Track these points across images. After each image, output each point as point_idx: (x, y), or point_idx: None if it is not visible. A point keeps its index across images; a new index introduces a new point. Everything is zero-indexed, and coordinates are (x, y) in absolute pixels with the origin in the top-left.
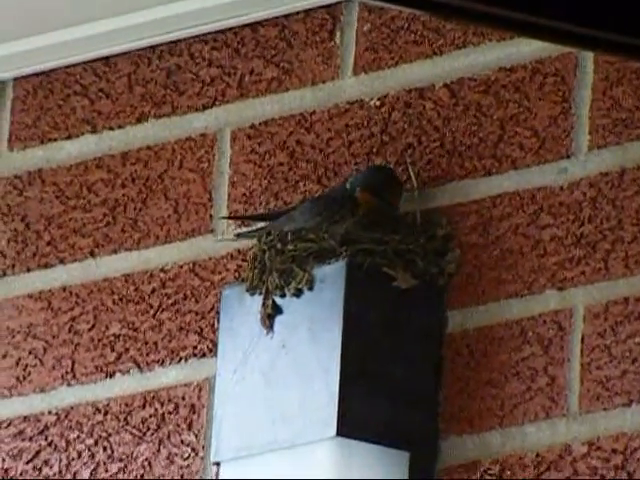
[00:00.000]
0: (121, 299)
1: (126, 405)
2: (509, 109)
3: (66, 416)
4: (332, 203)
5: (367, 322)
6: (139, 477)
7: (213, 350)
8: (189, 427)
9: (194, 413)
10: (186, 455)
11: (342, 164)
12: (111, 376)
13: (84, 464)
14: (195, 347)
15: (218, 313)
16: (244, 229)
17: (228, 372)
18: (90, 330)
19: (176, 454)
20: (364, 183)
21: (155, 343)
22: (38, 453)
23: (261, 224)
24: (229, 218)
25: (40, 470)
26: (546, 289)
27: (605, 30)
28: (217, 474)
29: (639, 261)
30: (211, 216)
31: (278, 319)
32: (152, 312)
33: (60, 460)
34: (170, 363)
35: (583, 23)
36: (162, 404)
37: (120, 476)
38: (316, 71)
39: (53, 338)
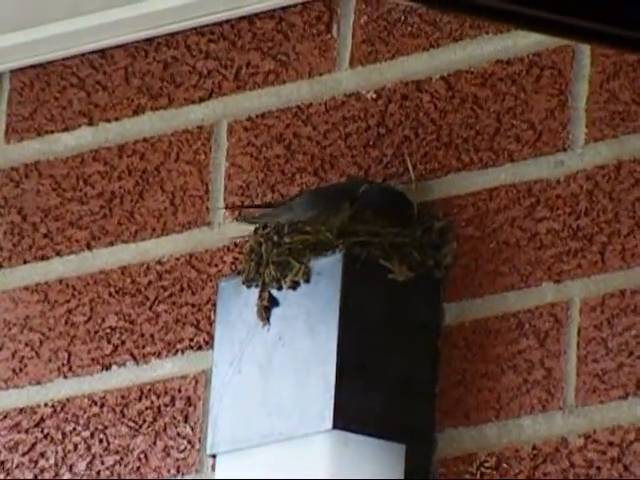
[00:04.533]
0: (117, 291)
1: (122, 397)
2: (506, 102)
3: (62, 408)
4: (332, 199)
5: (363, 315)
6: (135, 470)
7: (209, 342)
8: (185, 419)
9: (190, 405)
10: (182, 448)
11: (339, 156)
12: (107, 368)
13: (80, 456)
14: (191, 339)
15: (214, 305)
16: (243, 219)
17: (224, 364)
18: (86, 322)
19: (172, 447)
20: (375, 206)
21: (151, 335)
22: (34, 445)
23: (261, 211)
24: (227, 208)
25: (36, 462)
26: (543, 282)
27: (602, 23)
28: (213, 466)
29: (635, 254)
30: (207, 208)
31: (274, 311)
32: (148, 304)
33: (56, 452)
34: (166, 355)
35: (580, 15)
36: (158, 396)
37: (116, 469)
38: (313, 63)
39: (49, 330)
